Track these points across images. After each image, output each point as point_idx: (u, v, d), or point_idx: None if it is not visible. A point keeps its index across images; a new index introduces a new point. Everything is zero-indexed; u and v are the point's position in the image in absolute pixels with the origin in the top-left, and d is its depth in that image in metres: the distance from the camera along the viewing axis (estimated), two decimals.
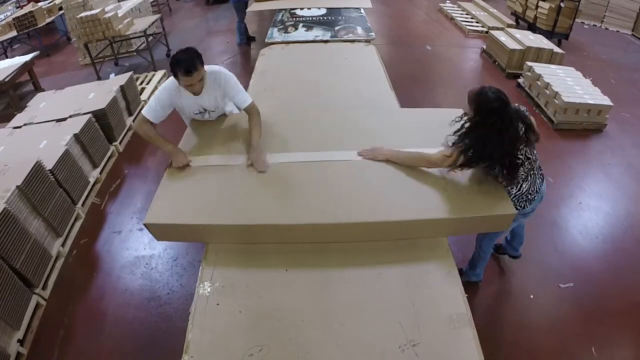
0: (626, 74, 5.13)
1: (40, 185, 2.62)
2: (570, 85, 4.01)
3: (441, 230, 1.75)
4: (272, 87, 2.98)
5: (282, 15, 4.57)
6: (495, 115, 1.64)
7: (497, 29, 5.95)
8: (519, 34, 5.19)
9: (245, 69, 5.16)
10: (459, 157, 1.69)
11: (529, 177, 1.88)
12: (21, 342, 2.18)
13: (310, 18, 4.46)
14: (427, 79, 5.14)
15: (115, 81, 4.06)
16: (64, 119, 3.39)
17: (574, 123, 3.86)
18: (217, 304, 1.51)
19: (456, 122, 1.81)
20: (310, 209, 1.71)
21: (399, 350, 1.36)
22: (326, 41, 3.86)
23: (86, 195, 3.18)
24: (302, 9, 4.72)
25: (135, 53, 5.98)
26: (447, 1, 7.98)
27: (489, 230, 2.01)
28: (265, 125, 2.12)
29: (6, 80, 4.27)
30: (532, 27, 5.96)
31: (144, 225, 1.70)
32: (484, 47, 5.66)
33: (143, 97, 4.51)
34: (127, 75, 4.15)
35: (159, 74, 5.12)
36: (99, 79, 5.12)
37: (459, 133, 1.75)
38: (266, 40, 3.96)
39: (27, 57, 4.80)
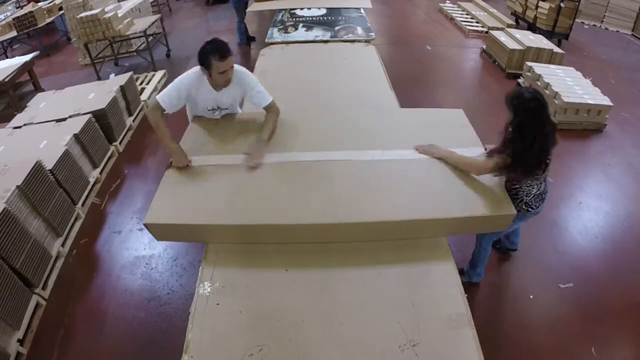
0: (626, 74, 5.13)
1: (40, 185, 2.62)
2: (570, 85, 4.01)
3: (441, 230, 1.75)
4: (272, 87, 2.95)
5: (282, 16, 4.57)
6: (534, 115, 1.68)
7: (497, 29, 5.96)
8: (518, 34, 5.19)
9: None
10: (509, 162, 1.72)
11: (546, 178, 1.95)
12: (21, 341, 2.18)
13: (310, 18, 4.46)
14: (427, 79, 5.14)
15: (115, 81, 4.06)
16: (64, 119, 3.39)
17: (573, 123, 3.86)
18: (217, 304, 1.51)
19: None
20: (310, 209, 1.71)
21: (398, 350, 1.36)
22: (326, 41, 3.86)
23: (86, 195, 3.18)
24: (302, 9, 4.72)
25: (135, 53, 5.97)
26: (447, 1, 7.98)
27: (489, 230, 2.02)
28: None
29: (6, 80, 4.27)
30: (532, 27, 5.96)
31: (144, 225, 1.70)
32: (484, 47, 5.66)
33: (143, 97, 4.52)
34: (127, 75, 4.15)
35: (159, 74, 5.11)
36: (99, 79, 5.12)
37: (504, 139, 1.79)
38: (266, 40, 3.96)
39: (27, 57, 4.79)
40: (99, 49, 5.66)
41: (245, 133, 2.17)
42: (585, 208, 3.03)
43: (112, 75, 4.82)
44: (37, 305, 2.39)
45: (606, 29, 6.79)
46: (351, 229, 1.69)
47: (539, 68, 4.31)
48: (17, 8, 7.65)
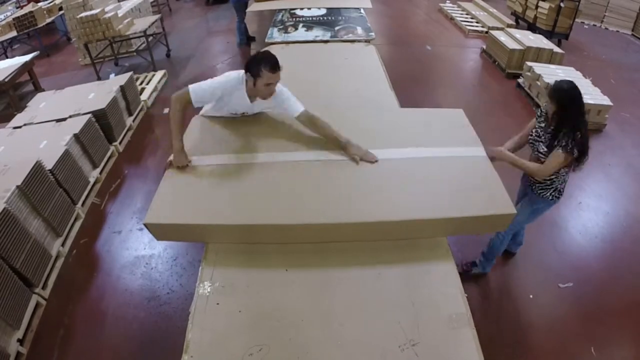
0: (626, 74, 5.14)
1: (40, 185, 2.62)
2: None
3: (441, 230, 1.75)
4: None
5: (282, 16, 4.57)
6: (575, 103, 1.83)
7: (497, 29, 5.96)
8: (518, 34, 5.20)
9: None
10: (568, 155, 1.85)
11: None
12: (21, 341, 2.19)
13: (310, 18, 4.45)
14: (427, 79, 5.14)
15: (115, 81, 4.06)
16: (64, 119, 3.39)
17: None
18: (217, 304, 1.51)
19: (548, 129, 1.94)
20: (311, 209, 1.71)
21: (398, 350, 1.36)
22: (326, 41, 3.86)
23: (86, 195, 3.19)
24: (302, 9, 4.72)
25: (135, 53, 5.98)
26: (447, 1, 7.98)
27: (489, 230, 2.02)
28: None
29: (6, 80, 4.27)
30: (532, 27, 5.96)
31: (144, 225, 1.70)
32: (484, 47, 5.67)
33: (143, 97, 4.52)
34: (127, 75, 4.16)
35: (159, 74, 5.12)
36: (99, 79, 5.12)
37: (551, 136, 1.91)
38: (266, 40, 3.96)
39: (27, 57, 4.80)
40: (99, 49, 5.66)
41: (245, 133, 2.17)
42: (585, 208, 3.03)
43: (112, 75, 4.82)
44: (37, 305, 2.40)
45: (606, 29, 6.79)
46: (351, 229, 1.68)
47: (538, 68, 4.31)
48: (17, 8, 7.66)
